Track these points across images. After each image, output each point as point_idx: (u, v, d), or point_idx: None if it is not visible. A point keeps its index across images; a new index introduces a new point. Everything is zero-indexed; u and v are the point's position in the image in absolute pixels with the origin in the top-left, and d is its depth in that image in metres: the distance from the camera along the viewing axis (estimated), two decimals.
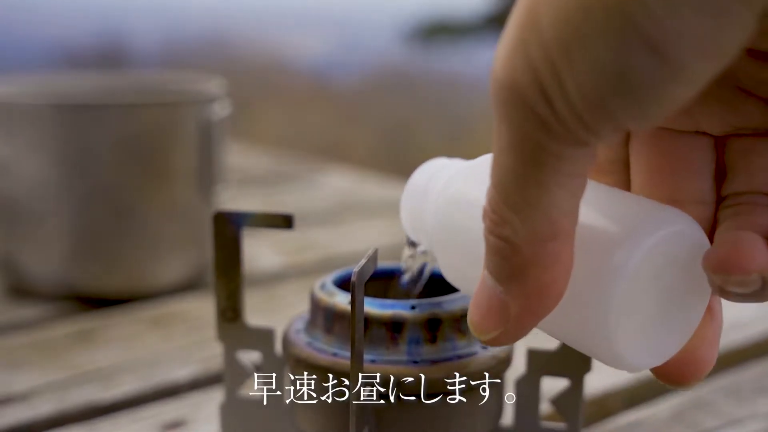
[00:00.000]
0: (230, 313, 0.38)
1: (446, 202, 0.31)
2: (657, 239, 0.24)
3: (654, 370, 0.27)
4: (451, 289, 0.36)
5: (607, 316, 0.24)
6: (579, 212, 0.23)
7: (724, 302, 0.57)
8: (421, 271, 0.36)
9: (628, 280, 0.24)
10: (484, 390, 0.34)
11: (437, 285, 0.37)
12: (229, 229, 0.37)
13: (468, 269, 0.27)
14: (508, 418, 0.40)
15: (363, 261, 0.30)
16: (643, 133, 0.27)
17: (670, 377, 0.27)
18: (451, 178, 0.31)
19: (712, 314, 0.27)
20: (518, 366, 0.40)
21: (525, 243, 0.23)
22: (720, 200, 0.26)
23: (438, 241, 0.32)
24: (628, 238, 0.24)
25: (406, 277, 0.37)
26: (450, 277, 0.32)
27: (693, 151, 0.26)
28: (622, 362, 0.25)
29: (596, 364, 0.47)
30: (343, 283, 0.36)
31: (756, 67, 0.24)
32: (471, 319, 0.26)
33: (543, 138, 0.22)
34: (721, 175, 0.27)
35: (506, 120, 0.22)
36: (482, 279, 0.25)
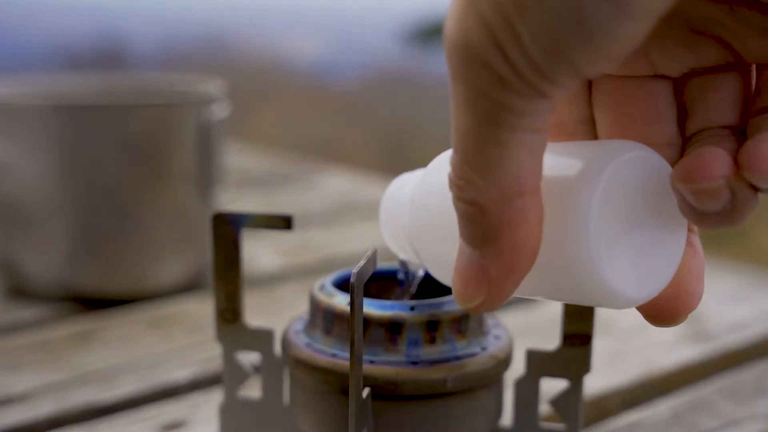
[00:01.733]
0: (229, 314, 0.38)
1: (418, 196, 0.31)
2: (616, 164, 0.24)
3: (645, 311, 0.27)
4: (448, 291, 0.36)
5: (588, 250, 0.24)
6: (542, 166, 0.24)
7: (722, 305, 0.57)
8: (411, 278, 0.37)
9: (598, 209, 0.24)
10: (483, 391, 0.34)
11: (436, 286, 0.37)
12: (228, 230, 0.37)
13: (450, 255, 0.27)
14: (507, 419, 0.40)
15: (362, 262, 0.30)
16: (605, 85, 0.28)
17: (662, 314, 0.27)
18: (421, 176, 0.32)
19: (693, 248, 0.27)
20: (517, 367, 0.40)
21: (492, 203, 0.24)
22: (686, 141, 0.27)
23: (418, 239, 0.32)
24: (588, 171, 0.24)
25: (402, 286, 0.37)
26: (435, 272, 0.32)
27: (654, 96, 0.27)
28: (616, 296, 0.25)
29: (595, 364, 0.47)
30: (343, 284, 0.36)
31: (705, 6, 0.24)
32: (454, 288, 0.26)
33: (501, 94, 0.22)
34: (683, 116, 0.27)
35: (462, 80, 0.22)
36: (459, 248, 0.26)
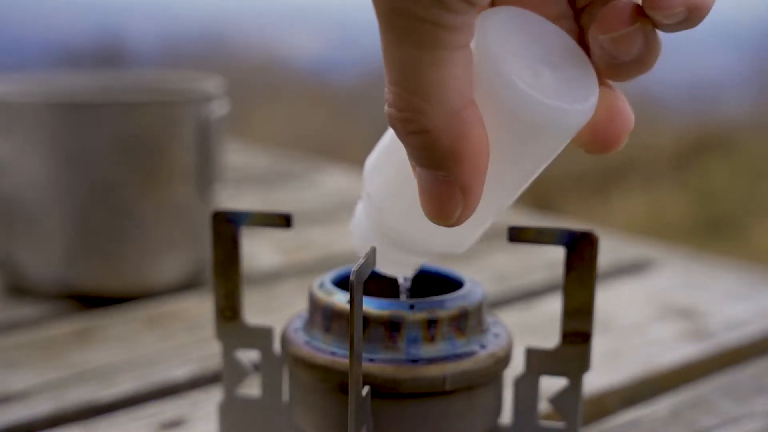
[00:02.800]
0: (229, 312, 0.38)
1: (371, 184, 0.33)
2: (502, 14, 0.27)
3: (589, 138, 0.29)
4: (448, 289, 0.37)
5: (514, 83, 0.26)
6: None
7: (721, 303, 0.57)
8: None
9: (501, 46, 0.26)
10: (482, 389, 0.34)
11: (434, 284, 0.37)
12: (227, 228, 0.37)
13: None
14: (506, 417, 0.40)
15: (361, 260, 0.30)
16: None
17: (605, 137, 0.29)
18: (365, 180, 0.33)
19: (607, 84, 0.29)
20: (517, 365, 0.40)
21: (441, 123, 0.26)
22: (577, 14, 0.29)
23: (387, 217, 0.32)
24: (482, 38, 0.27)
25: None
26: (418, 246, 0.32)
27: None
28: (559, 111, 0.27)
29: (595, 362, 0.47)
30: (342, 282, 0.36)
31: None
32: (429, 212, 0.28)
33: (437, 14, 0.24)
34: None
35: (397, 11, 0.25)
36: (418, 177, 0.27)
